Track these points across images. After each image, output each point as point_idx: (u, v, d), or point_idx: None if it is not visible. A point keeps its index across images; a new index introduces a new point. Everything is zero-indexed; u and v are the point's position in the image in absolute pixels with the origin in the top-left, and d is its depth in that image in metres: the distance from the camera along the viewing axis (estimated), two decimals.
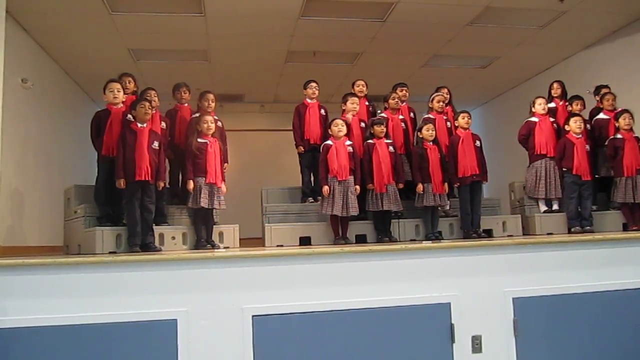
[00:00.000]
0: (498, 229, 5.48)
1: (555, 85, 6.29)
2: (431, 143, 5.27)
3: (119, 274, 3.19)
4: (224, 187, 4.81)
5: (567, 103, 6.11)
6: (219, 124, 5.13)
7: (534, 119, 5.86)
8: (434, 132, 5.30)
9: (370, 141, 5.19)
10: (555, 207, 5.73)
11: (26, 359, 3.00)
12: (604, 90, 6.07)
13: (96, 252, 4.32)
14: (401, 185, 5.21)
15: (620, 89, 6.24)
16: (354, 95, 5.67)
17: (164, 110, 5.33)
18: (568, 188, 5.50)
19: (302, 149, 5.64)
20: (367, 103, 5.94)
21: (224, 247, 4.89)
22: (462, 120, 5.40)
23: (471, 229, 5.22)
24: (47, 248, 6.47)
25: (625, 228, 5.46)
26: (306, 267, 3.41)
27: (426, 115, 5.81)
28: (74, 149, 8.06)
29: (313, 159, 5.51)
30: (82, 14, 6.30)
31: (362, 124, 5.55)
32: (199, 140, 4.77)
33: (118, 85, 4.75)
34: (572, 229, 5.36)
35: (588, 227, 5.33)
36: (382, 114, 5.72)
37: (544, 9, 6.63)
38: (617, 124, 5.55)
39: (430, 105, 5.81)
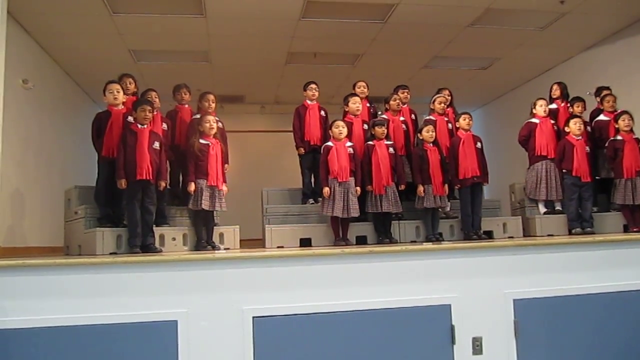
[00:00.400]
0: (498, 231, 5.47)
1: (554, 86, 6.29)
2: (431, 144, 5.27)
3: (119, 275, 3.19)
4: (225, 189, 4.81)
5: (568, 104, 6.11)
6: (220, 124, 5.13)
7: (534, 120, 5.86)
8: (433, 134, 5.30)
9: (370, 143, 5.20)
10: (558, 207, 5.73)
11: None
12: (604, 92, 6.06)
13: (97, 253, 4.31)
14: (402, 187, 5.21)
15: (621, 91, 6.23)
16: (356, 95, 5.68)
17: (165, 111, 5.33)
18: (568, 190, 5.50)
19: (302, 150, 5.64)
20: (368, 104, 5.95)
21: (225, 248, 4.89)
22: (463, 122, 5.40)
23: (472, 230, 5.22)
24: (47, 249, 6.47)
25: (626, 229, 5.45)
26: (307, 268, 3.41)
27: (427, 117, 5.82)
28: (74, 150, 8.07)
29: (313, 160, 5.51)
30: (83, 15, 6.31)
31: (365, 126, 5.55)
32: (201, 141, 4.77)
33: (118, 87, 4.75)
34: (573, 231, 5.36)
35: (589, 229, 5.32)
36: (383, 116, 5.73)
37: (545, 10, 6.64)
38: (616, 126, 5.56)
39: (432, 107, 5.81)
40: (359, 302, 3.39)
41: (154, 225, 4.55)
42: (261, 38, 7.19)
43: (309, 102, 5.74)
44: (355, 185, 4.97)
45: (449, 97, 6.05)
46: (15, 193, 6.26)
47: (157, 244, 4.51)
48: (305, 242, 5.06)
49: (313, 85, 5.75)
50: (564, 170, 5.54)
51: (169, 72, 7.83)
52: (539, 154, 5.74)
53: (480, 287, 3.56)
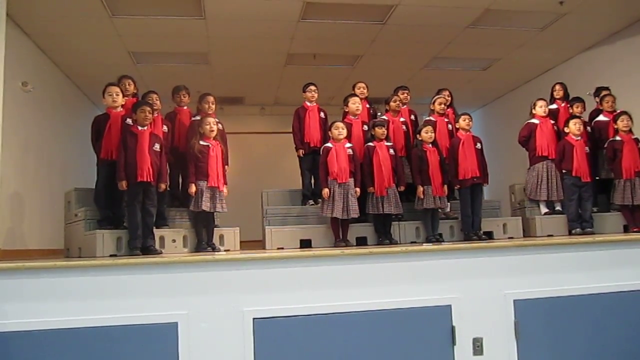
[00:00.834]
0: (498, 231, 5.48)
1: (557, 87, 6.29)
2: (430, 145, 5.27)
3: (119, 277, 3.19)
4: (225, 190, 4.81)
5: (568, 105, 6.12)
6: (220, 126, 5.13)
7: (534, 120, 5.86)
8: (432, 134, 5.30)
9: (370, 144, 5.20)
10: (558, 208, 5.73)
11: None
12: (603, 92, 6.06)
13: (97, 255, 4.32)
14: (402, 188, 5.21)
15: (621, 91, 6.23)
16: (355, 95, 5.68)
17: (164, 113, 5.33)
18: (568, 190, 5.50)
19: (302, 152, 5.64)
20: (367, 105, 5.95)
21: (225, 250, 4.89)
22: (463, 123, 5.40)
23: (472, 231, 5.22)
24: (47, 251, 6.46)
25: (626, 230, 5.45)
26: (307, 269, 3.40)
27: (427, 118, 5.82)
28: (74, 152, 8.07)
29: (313, 161, 5.51)
30: (82, 17, 6.31)
31: (365, 127, 5.55)
32: (201, 143, 4.76)
33: (117, 89, 4.76)
34: (573, 231, 5.36)
35: (589, 229, 5.32)
36: (383, 117, 5.73)
37: (544, 11, 6.64)
38: (615, 126, 5.55)
39: (432, 108, 5.82)
40: (359, 303, 3.39)
41: (154, 227, 4.55)
42: (261, 39, 7.19)
43: (308, 103, 5.74)
44: (355, 186, 4.97)
45: (449, 98, 6.05)
46: (15, 195, 6.26)
47: (157, 246, 4.50)
48: (306, 244, 5.06)
49: (312, 87, 5.75)
50: (563, 171, 5.55)
51: (168, 74, 7.82)
52: (539, 154, 5.75)
53: (480, 287, 3.56)
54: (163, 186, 4.59)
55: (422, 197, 5.13)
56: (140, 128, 4.46)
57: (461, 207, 5.33)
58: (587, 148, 5.54)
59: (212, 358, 3.20)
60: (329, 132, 5.15)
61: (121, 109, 4.73)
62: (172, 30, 6.79)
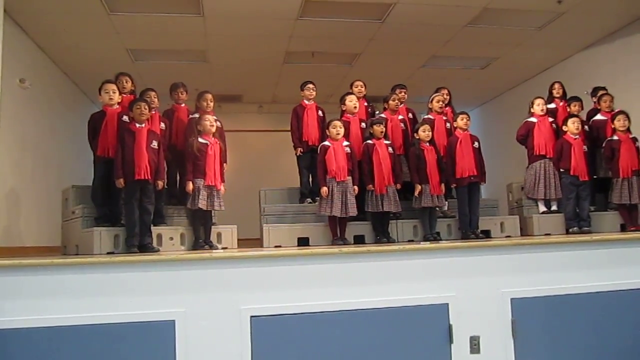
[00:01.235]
0: (496, 230, 5.48)
1: (556, 85, 6.29)
2: (428, 144, 5.27)
3: (116, 275, 3.19)
4: (223, 188, 4.80)
5: (567, 104, 6.12)
6: (218, 123, 5.12)
7: (532, 119, 5.87)
8: (430, 133, 5.30)
9: (369, 142, 5.19)
10: (554, 207, 5.74)
11: None
12: (601, 92, 6.07)
13: (94, 253, 4.31)
14: (399, 186, 5.21)
15: (619, 90, 6.24)
16: (352, 93, 5.68)
17: (162, 110, 5.31)
18: (566, 189, 5.51)
19: (300, 150, 5.64)
20: (366, 104, 5.95)
21: (222, 248, 4.89)
22: (460, 122, 5.40)
23: (469, 229, 5.22)
24: (44, 249, 6.45)
25: (624, 229, 5.46)
26: (304, 267, 3.41)
27: (426, 116, 5.82)
28: (71, 149, 8.05)
29: (311, 159, 5.51)
30: (80, 14, 6.30)
31: (363, 125, 5.55)
32: (200, 140, 4.76)
33: (113, 87, 4.75)
34: (570, 230, 5.37)
35: (586, 228, 5.33)
36: (382, 115, 5.73)
37: (542, 10, 6.64)
38: (613, 126, 5.56)
39: (430, 106, 5.82)
40: (356, 302, 3.39)
41: (152, 225, 4.55)
42: (259, 37, 7.18)
43: (306, 102, 5.73)
44: (353, 185, 4.97)
45: (447, 97, 6.05)
46: (12, 192, 6.25)
47: (154, 244, 4.50)
48: (303, 242, 5.06)
49: (310, 85, 5.75)
50: (561, 170, 5.55)
51: (166, 71, 7.79)
52: (537, 153, 5.75)
53: (477, 286, 3.57)
54: (161, 184, 4.58)
55: (419, 194, 5.13)
56: (137, 125, 4.44)
57: (459, 205, 5.33)
58: (585, 147, 5.55)
59: (209, 356, 3.19)
60: (327, 130, 5.14)
61: (117, 107, 4.72)
62: (170, 27, 6.78)
